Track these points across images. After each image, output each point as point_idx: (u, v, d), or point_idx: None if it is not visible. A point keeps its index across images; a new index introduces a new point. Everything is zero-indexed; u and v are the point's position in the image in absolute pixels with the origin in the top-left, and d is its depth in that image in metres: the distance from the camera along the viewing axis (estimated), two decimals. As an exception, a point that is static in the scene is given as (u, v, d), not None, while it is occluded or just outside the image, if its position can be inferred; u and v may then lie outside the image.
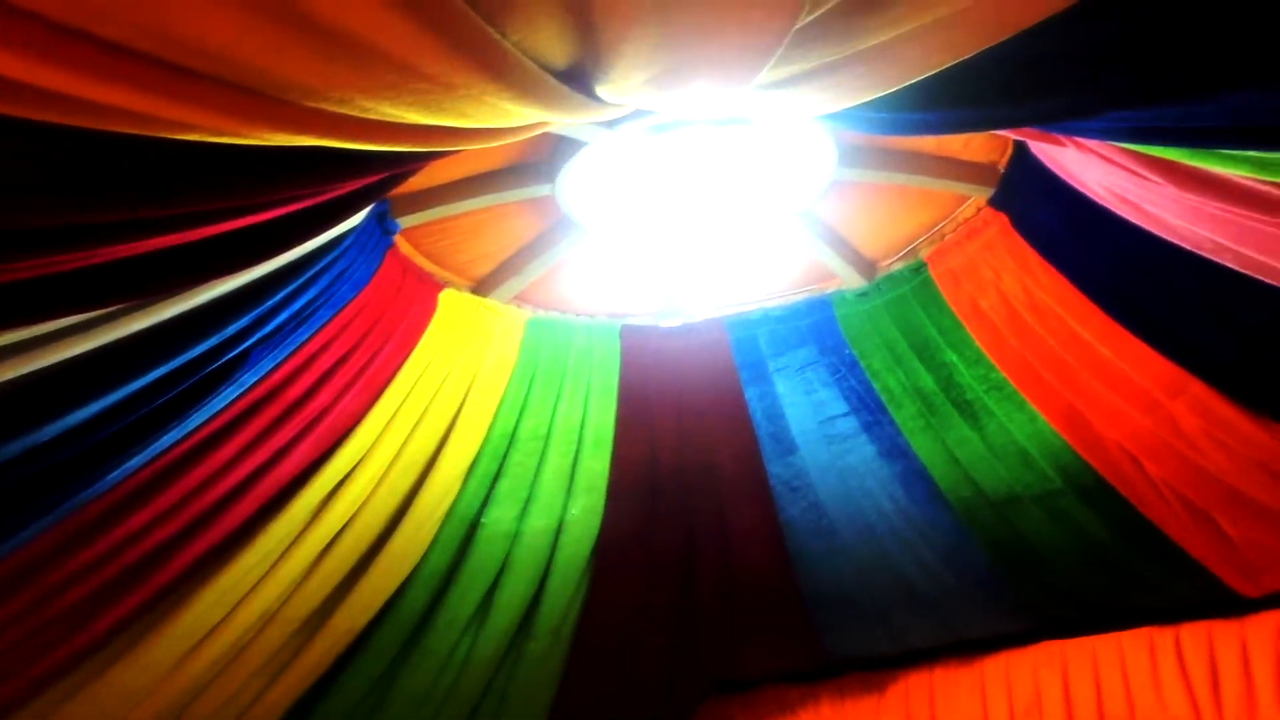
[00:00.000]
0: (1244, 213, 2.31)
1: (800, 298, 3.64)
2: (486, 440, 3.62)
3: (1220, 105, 1.69)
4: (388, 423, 3.35)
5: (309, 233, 2.21)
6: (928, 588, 4.20)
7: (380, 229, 2.90)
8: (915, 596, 4.26)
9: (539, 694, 4.39)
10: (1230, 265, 2.65)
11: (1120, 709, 3.98)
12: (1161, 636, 3.94)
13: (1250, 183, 2.16)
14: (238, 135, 1.37)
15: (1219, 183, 2.17)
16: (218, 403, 2.70)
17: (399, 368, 3.27)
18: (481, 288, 3.41)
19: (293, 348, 2.84)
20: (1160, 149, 2.10)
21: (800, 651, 4.72)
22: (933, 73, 1.63)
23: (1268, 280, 2.65)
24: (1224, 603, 3.81)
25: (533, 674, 4.28)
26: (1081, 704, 4.06)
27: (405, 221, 2.99)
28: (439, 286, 3.28)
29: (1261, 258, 2.54)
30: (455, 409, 3.49)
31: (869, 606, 4.38)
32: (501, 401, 3.58)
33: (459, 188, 2.99)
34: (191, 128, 1.37)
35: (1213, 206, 2.35)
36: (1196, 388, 3.02)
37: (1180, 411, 3.10)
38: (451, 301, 3.31)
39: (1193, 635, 3.88)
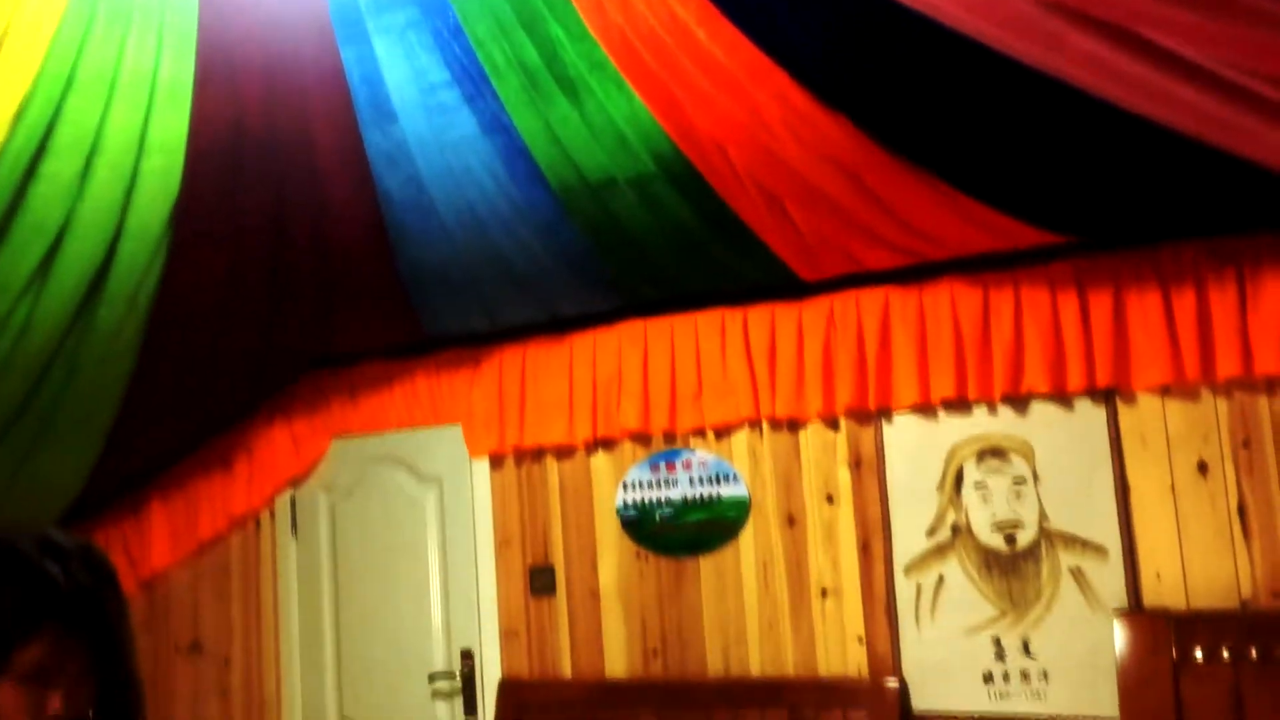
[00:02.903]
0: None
1: (405, -48, 3.38)
2: (38, 82, 3.18)
3: None
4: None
5: None
6: (525, 267, 4.28)
7: None
8: (512, 275, 4.33)
9: (115, 364, 4.16)
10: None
11: (690, 381, 4.34)
12: (731, 316, 4.28)
13: None
14: None
15: None
16: None
17: (-86, -14, 2.76)
18: (21, -102, 2.90)
19: None
20: None
21: (397, 329, 4.74)
22: None
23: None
24: (787, 287, 4.17)
25: (107, 343, 4.02)
26: (657, 376, 4.39)
27: None
28: (-38, -111, 2.75)
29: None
30: (-6, 42, 3.02)
31: (467, 285, 4.41)
32: (54, 39, 3.12)
33: None
34: None
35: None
36: (780, 78, 3.13)
37: (764, 100, 3.22)
38: (-20, -90, 2.80)
39: (758, 316, 4.24)
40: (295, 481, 5.18)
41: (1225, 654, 3.37)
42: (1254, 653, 3.33)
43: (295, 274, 4.34)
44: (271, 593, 5.18)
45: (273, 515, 5.23)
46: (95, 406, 4.33)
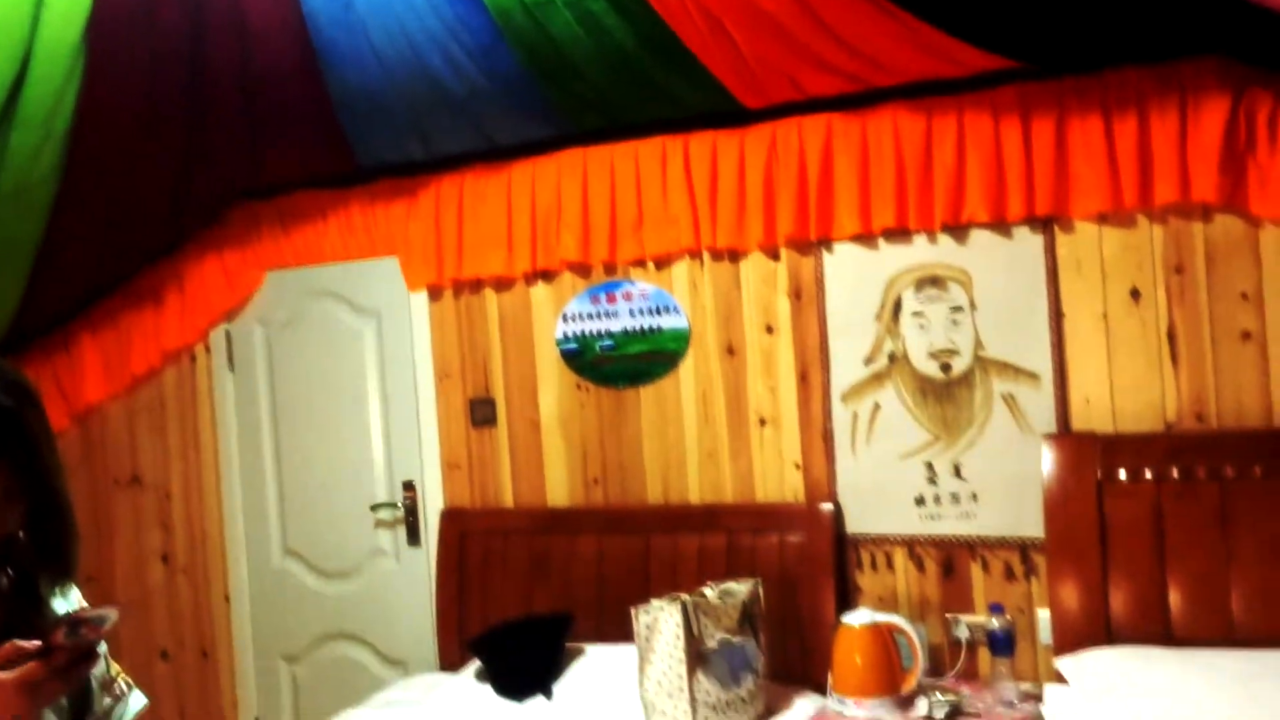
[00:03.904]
0: None
1: None
2: (-73, -117, 2.97)
3: None
4: None
5: None
6: (460, 92, 4.13)
7: None
8: (447, 101, 4.19)
9: (34, 192, 4.01)
10: None
11: (630, 211, 4.29)
12: (673, 144, 4.20)
13: None
14: None
15: None
16: None
17: None
18: None
19: None
20: None
21: (329, 157, 4.60)
22: None
23: None
24: (730, 115, 4.09)
25: (24, 170, 3.86)
26: (597, 206, 4.33)
27: None
28: None
29: None
30: None
31: (401, 110, 4.27)
32: None
33: None
34: None
35: None
36: (723, -113, 3.00)
37: (706, -88, 3.09)
38: None
39: (699, 144, 4.16)
40: (230, 315, 5.10)
41: (1148, 474, 3.47)
42: (1175, 473, 3.44)
43: (218, 97, 4.17)
44: (210, 427, 5.15)
45: (208, 349, 5.16)
46: (16, 237, 4.19)
